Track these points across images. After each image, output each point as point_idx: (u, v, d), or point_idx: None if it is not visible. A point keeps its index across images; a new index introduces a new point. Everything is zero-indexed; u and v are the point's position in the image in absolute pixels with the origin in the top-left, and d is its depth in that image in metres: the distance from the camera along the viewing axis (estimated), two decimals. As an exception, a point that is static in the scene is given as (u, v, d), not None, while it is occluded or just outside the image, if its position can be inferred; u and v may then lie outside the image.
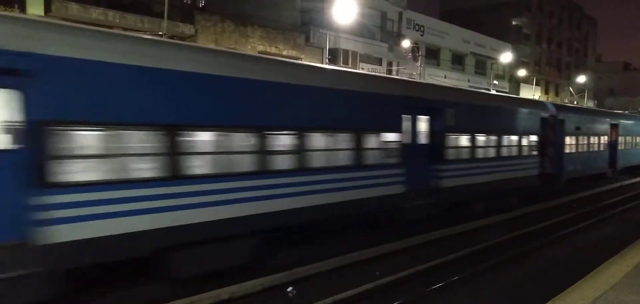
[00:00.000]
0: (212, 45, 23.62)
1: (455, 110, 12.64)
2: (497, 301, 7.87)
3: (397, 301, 7.54)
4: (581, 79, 53.29)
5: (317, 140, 9.24)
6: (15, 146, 5.79)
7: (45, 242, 5.99)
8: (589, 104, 56.51)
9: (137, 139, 6.81)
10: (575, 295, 5.95)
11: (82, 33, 6.77)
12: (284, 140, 8.65)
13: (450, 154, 12.62)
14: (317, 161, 9.19)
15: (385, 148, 10.67)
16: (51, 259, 6.04)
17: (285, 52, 26.87)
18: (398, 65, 34.91)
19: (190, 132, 7.30)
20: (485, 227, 12.97)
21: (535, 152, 16.64)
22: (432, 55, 39.33)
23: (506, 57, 41.03)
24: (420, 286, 8.18)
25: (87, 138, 6.40)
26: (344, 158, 9.73)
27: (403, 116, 11.21)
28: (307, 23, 28.54)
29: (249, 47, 25.18)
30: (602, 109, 32.27)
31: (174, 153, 7.07)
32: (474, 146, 13.46)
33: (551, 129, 17.82)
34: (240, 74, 8.08)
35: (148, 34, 18.83)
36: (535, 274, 9.12)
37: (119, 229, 6.59)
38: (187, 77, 7.30)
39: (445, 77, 39.64)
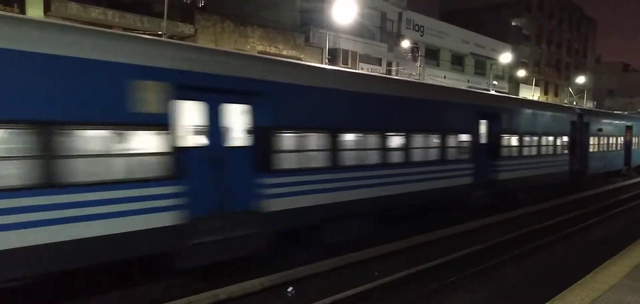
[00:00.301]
0: (212, 46, 23.64)
1: (508, 115, 15.09)
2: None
3: (395, 301, 7.55)
4: (581, 79, 53.35)
5: (419, 140, 11.57)
6: (251, 143, 8.05)
7: (268, 210, 8.24)
8: (588, 104, 56.53)
9: (315, 140, 9.15)
10: (574, 295, 5.96)
11: (289, 65, 10.06)
12: (399, 140, 11.02)
13: (504, 152, 14.88)
14: (419, 156, 11.56)
15: (461, 147, 12.94)
16: (270, 222, 8.29)
17: (284, 52, 26.87)
18: (398, 65, 34.94)
19: (343, 134, 9.66)
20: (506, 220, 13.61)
21: (566, 151, 18.92)
22: (432, 55, 39.35)
23: (506, 57, 41.07)
24: (420, 286, 8.19)
25: (289, 139, 8.69)
26: (436, 154, 12.13)
27: (472, 120, 13.55)
28: (306, 23, 28.55)
29: (249, 47, 25.18)
30: (618, 112, 33.89)
31: (334, 149, 9.43)
32: (521, 146, 15.78)
33: (578, 131, 19.96)
34: (386, 92, 10.88)
35: (147, 34, 18.84)
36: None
37: (305, 203, 8.96)
38: (344, 94, 9.82)
39: (444, 77, 39.65)
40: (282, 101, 8.45)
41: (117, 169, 6.52)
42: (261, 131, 8.13)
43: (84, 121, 6.20)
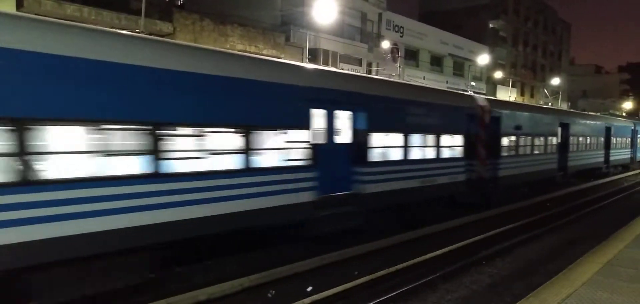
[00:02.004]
0: (191, 44, 23.36)
1: (575, 122, 23.83)
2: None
3: (374, 300, 7.59)
4: (555, 81, 54.58)
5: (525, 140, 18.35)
6: (350, 141, 10.42)
7: (364, 192, 10.59)
8: (562, 105, 57.89)
9: (395, 139, 11.64)
10: (549, 292, 6.09)
11: (377, 81, 14.45)
12: (453, 140, 13.81)
13: (572, 148, 23.13)
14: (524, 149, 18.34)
15: (548, 145, 20.15)
16: (367, 202, 10.69)
17: (265, 51, 26.73)
18: (378, 66, 35.14)
19: (412, 135, 12.12)
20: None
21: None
22: (411, 56, 39.72)
23: (483, 59, 41.71)
24: (403, 283, 8.26)
25: (377, 138, 11.04)
26: (539, 149, 19.54)
27: (555, 126, 21.06)
28: (287, 23, 28.48)
29: (228, 46, 24.97)
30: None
31: (406, 146, 11.92)
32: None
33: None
34: (446, 102, 14.01)
35: (124, 32, 18.30)
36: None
37: (389, 188, 11.36)
38: (414, 104, 12.37)
39: (423, 78, 40.07)
40: (373, 109, 10.82)
41: (286, 158, 8.94)
42: (359, 132, 10.59)
43: (270, 125, 8.67)
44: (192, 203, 7.40)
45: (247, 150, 8.17)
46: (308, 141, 9.30)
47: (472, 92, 22.38)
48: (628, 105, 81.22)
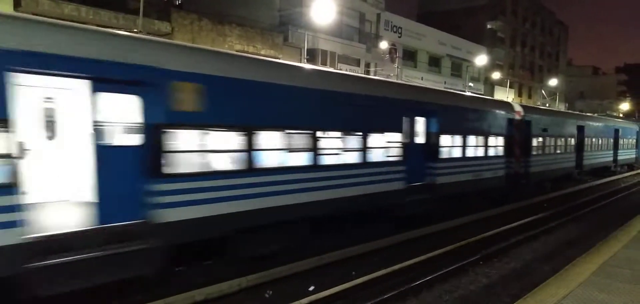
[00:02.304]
0: (189, 44, 23.34)
1: (589, 125, 26.06)
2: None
3: (372, 300, 7.61)
4: (553, 82, 54.70)
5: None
6: (425, 141, 12.68)
7: (435, 183, 12.95)
8: (560, 106, 58.05)
9: (455, 140, 13.91)
10: (545, 293, 6.12)
11: (445, 93, 16.52)
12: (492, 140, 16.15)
13: (587, 148, 25.50)
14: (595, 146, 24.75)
15: (568, 145, 22.86)
16: (438, 192, 13.03)
17: (263, 51, 26.73)
18: (376, 66, 35.17)
19: (468, 136, 14.49)
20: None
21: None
22: (409, 56, 39.76)
23: (481, 59, 41.74)
24: (401, 283, 8.28)
25: (444, 139, 13.29)
26: (561, 149, 22.07)
27: (574, 129, 23.76)
28: (285, 23, 28.48)
29: (227, 46, 24.97)
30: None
31: (464, 146, 14.32)
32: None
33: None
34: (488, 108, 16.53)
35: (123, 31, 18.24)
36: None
37: (454, 180, 13.84)
38: (468, 110, 14.95)
39: (422, 78, 40.10)
40: (440, 116, 12.99)
41: (389, 155, 11.37)
42: (431, 134, 12.84)
43: (381, 129, 11.14)
44: (336, 187, 9.87)
45: (365, 148, 10.64)
46: (401, 142, 11.71)
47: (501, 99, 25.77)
48: (625, 106, 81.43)
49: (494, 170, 16.06)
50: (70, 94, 7.35)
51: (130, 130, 6.70)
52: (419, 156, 12.48)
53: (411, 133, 12.18)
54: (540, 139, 19.79)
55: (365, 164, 10.54)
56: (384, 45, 34.10)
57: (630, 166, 35.56)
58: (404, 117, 11.88)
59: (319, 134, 9.39)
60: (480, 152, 15.19)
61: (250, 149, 8.11)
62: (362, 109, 10.58)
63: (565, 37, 71.02)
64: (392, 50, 36.01)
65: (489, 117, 15.93)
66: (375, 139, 10.87)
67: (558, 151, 21.95)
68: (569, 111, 35.55)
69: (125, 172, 6.62)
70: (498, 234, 12.37)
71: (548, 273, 9.16)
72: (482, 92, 47.62)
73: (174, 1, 23.61)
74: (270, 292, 7.92)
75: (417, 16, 49.45)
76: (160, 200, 6.92)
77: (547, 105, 51.27)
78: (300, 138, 9.07)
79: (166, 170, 7.00)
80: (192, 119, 7.33)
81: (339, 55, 32.07)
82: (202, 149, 7.48)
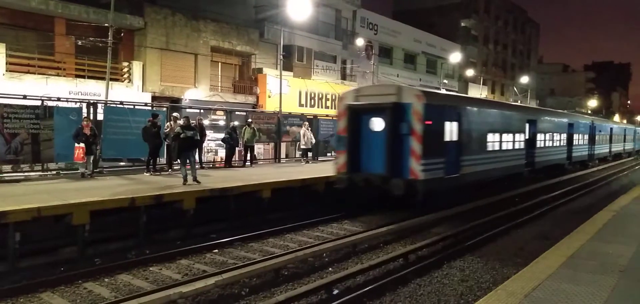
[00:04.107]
0: (163, 40, 22.94)
1: (577, 123, 29.94)
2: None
3: (346, 296, 7.66)
4: (525, 79, 56.02)
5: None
6: (527, 138, 21.35)
7: (534, 161, 21.89)
8: (531, 103, 59.50)
9: (542, 136, 23.10)
10: (515, 285, 6.26)
11: (538, 110, 29.56)
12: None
13: (574, 142, 29.10)
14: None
15: (561, 140, 26.27)
16: (535, 166, 22.28)
17: (239, 47, 26.49)
18: (352, 63, 35.29)
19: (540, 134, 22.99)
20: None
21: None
22: (385, 54, 40.07)
23: (455, 57, 42.41)
24: (375, 279, 8.33)
25: (540, 136, 22.52)
26: (557, 143, 25.92)
27: (565, 126, 27.07)
28: (261, 19, 28.28)
29: (201, 41, 24.63)
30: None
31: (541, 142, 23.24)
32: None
33: None
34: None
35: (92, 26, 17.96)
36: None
37: (544, 159, 23.60)
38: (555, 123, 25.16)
39: (397, 75, 40.45)
40: (538, 123, 21.27)
41: (521, 145, 20.35)
42: (532, 135, 21.10)
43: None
44: (507, 160, 18.83)
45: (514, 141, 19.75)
46: (524, 139, 20.19)
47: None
48: (593, 103, 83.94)
49: (517, 159, 20.33)
50: None
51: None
52: (530, 147, 21.03)
53: (526, 133, 20.41)
54: (543, 135, 23.29)
55: (514, 150, 19.19)
56: (360, 42, 34.24)
57: (583, 163, 31.81)
58: (526, 125, 20.39)
59: (503, 135, 18.18)
60: (510, 144, 19.99)
61: (487, 141, 16.83)
62: (517, 122, 19.75)
63: (537, 35, 72.80)
64: (369, 47, 36.18)
65: (513, 118, 20.14)
66: (518, 137, 19.53)
67: (555, 145, 25.33)
68: (563, 111, 33.47)
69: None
70: (470, 228, 12.61)
71: (519, 266, 9.40)
72: (457, 90, 48.37)
73: (146, -5, 23.07)
74: (247, 289, 7.85)
75: (393, 13, 49.85)
76: (464, 164, 14.95)
77: (519, 102, 52.46)
78: (500, 135, 17.85)
79: (464, 152, 15.03)
80: (471, 128, 15.61)
81: (316, 52, 32.05)
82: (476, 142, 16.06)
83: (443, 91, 31.81)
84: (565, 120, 27.41)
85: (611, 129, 40.21)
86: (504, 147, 18.16)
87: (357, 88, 18.28)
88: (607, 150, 38.29)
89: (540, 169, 22.79)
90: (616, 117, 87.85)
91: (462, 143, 14.83)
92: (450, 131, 14.20)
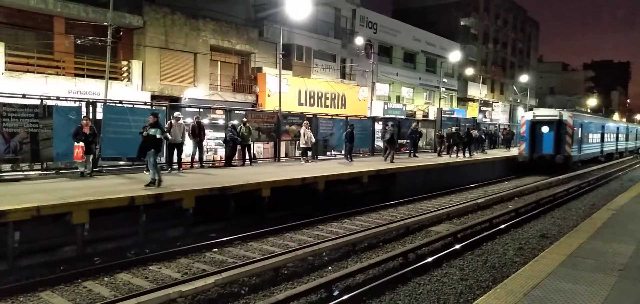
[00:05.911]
0: (162, 38, 22.92)
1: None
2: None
3: (345, 295, 7.65)
4: (524, 78, 56.00)
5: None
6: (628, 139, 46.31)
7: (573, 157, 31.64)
8: (531, 102, 59.48)
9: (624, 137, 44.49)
10: (515, 283, 6.26)
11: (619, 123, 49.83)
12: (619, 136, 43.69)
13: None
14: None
15: (595, 139, 35.62)
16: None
17: (238, 46, 26.47)
18: (352, 62, 35.28)
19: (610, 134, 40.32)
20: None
21: None
22: (385, 52, 40.03)
23: (455, 56, 42.34)
24: (375, 277, 8.34)
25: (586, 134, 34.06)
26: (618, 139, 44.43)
27: (599, 127, 37.39)
28: (260, 18, 28.25)
29: (201, 40, 24.62)
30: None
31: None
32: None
33: None
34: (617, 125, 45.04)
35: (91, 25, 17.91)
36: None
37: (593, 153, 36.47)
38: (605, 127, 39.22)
39: (397, 74, 40.44)
40: (626, 130, 45.59)
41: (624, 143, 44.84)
42: (604, 134, 37.06)
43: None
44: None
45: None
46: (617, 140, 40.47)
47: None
48: (593, 102, 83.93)
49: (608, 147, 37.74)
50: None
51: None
52: (601, 140, 34.45)
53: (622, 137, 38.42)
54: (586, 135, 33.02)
55: (600, 142, 34.42)
56: (359, 41, 34.20)
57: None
58: (629, 133, 41.01)
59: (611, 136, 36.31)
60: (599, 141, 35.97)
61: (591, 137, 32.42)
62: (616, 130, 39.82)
63: (536, 34, 72.76)
64: (368, 46, 36.15)
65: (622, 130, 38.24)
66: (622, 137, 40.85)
67: (592, 142, 35.84)
68: (599, 116, 50.63)
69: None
70: (469, 227, 12.61)
71: (518, 265, 9.41)
72: (456, 88, 48.33)
73: (145, -6, 23.03)
74: (246, 289, 7.84)
75: (392, 12, 49.81)
76: (583, 149, 30.18)
77: (519, 101, 52.47)
78: (594, 135, 32.89)
79: (583, 143, 30.10)
80: (584, 131, 30.48)
81: (315, 51, 32.03)
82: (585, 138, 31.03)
83: (589, 114, 48.78)
84: (613, 125, 43.25)
85: (617, 128, 50.78)
86: (596, 140, 34.00)
87: (533, 111, 32.12)
88: (615, 147, 47.99)
89: (606, 155, 37.77)
90: (616, 116, 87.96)
91: (582, 138, 29.41)
92: (579, 132, 28.66)
